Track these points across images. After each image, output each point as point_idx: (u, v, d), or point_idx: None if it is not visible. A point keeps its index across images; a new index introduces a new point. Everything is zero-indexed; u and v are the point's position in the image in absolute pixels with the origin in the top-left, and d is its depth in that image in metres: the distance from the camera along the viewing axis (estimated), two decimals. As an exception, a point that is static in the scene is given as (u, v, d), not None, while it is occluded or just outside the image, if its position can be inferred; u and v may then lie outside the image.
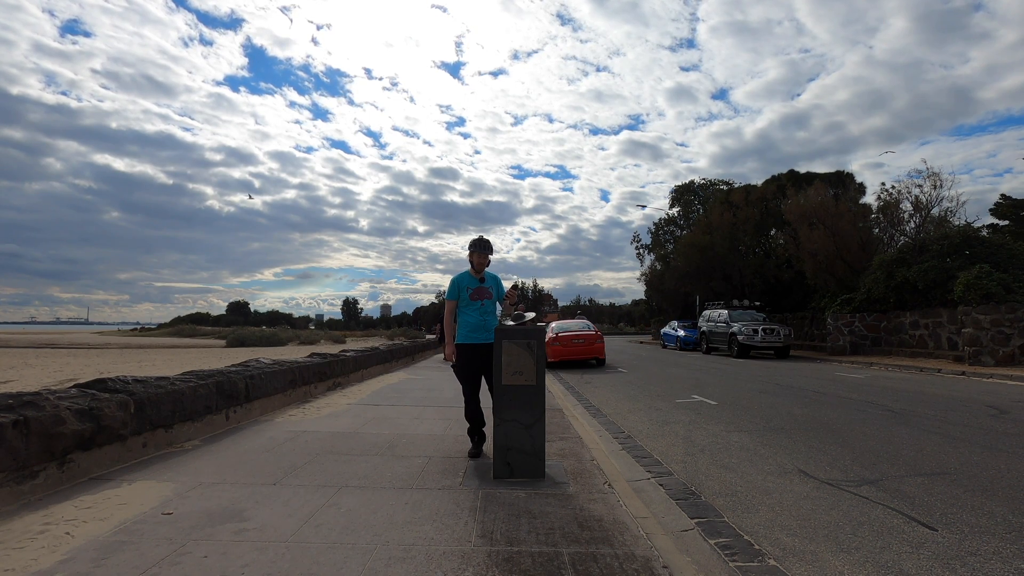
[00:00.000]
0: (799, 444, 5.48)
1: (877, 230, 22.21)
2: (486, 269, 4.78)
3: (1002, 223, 27.36)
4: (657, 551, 2.80)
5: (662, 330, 30.56)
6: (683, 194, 42.32)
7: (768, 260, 29.26)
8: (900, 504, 3.68)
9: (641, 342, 37.76)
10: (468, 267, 4.76)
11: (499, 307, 4.79)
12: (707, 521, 3.45)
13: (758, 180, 38.67)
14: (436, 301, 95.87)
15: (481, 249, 4.68)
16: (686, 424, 6.75)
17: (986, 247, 16.55)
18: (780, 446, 5.42)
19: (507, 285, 4.95)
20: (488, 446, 4.70)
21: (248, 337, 42.60)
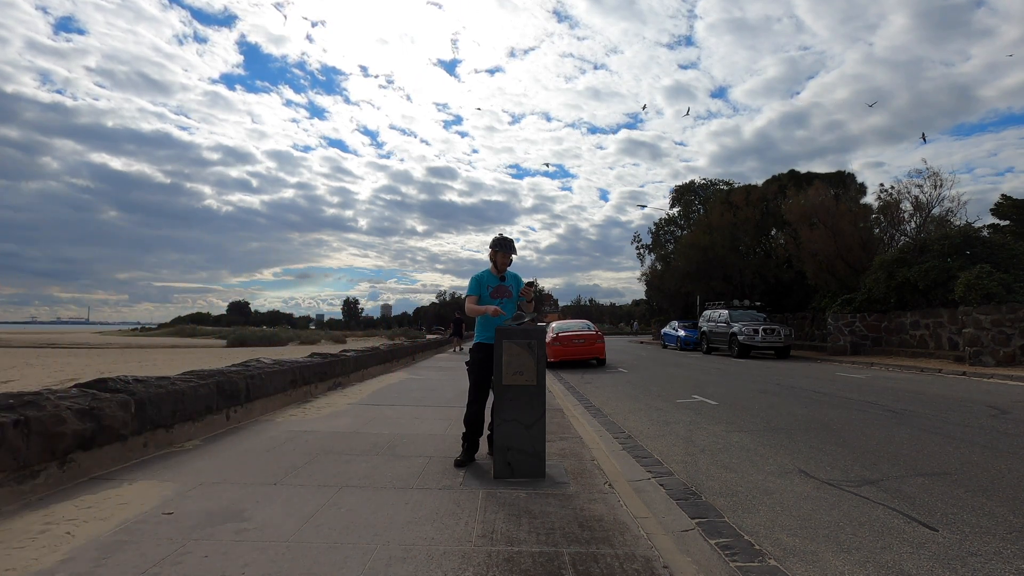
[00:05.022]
0: (800, 444, 5.48)
1: (878, 230, 22.22)
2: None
3: (1003, 223, 27.32)
4: (658, 551, 2.80)
5: (663, 330, 30.55)
6: (683, 194, 42.28)
7: (769, 260, 29.26)
8: (901, 504, 3.67)
9: (641, 342, 37.75)
10: (489, 266, 4.71)
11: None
12: (708, 521, 3.45)
13: (758, 179, 38.72)
14: (437, 301, 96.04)
15: (504, 248, 4.62)
16: (686, 424, 6.75)
17: (987, 247, 16.54)
18: (780, 446, 5.42)
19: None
20: (480, 453, 4.62)
21: (249, 337, 42.69)
